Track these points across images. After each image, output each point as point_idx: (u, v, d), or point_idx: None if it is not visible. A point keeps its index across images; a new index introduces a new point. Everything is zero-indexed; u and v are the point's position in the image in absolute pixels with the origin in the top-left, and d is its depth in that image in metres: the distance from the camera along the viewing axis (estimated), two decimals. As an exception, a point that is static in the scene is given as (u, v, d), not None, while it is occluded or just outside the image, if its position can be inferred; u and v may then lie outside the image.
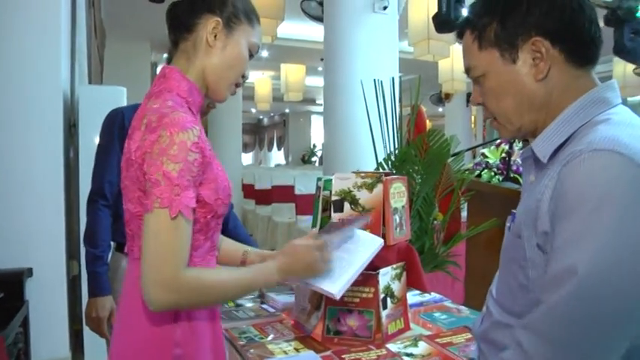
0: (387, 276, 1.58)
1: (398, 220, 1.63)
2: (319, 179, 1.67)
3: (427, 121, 2.60)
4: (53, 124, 3.23)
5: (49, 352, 3.29)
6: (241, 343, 1.52)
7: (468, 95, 11.47)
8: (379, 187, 1.57)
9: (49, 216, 3.26)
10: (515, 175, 3.17)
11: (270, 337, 1.57)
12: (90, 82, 4.41)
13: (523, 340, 0.88)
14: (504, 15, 1.00)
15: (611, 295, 0.80)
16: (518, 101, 1.01)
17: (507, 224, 1.09)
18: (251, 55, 1.26)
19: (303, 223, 6.60)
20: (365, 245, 1.44)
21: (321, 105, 17.88)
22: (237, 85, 1.27)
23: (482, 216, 2.98)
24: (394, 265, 1.61)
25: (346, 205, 1.58)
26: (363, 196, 1.57)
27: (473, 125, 13.66)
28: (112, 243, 2.08)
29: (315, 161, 19.12)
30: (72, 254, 3.51)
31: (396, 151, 2.56)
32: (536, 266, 0.94)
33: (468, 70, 1.07)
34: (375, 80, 2.56)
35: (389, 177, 1.61)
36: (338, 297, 1.28)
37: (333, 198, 1.59)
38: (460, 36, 1.09)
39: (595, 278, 0.80)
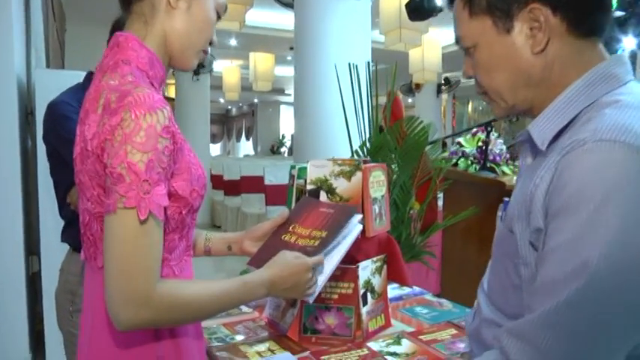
0: (367, 270, 1.47)
1: (377, 211, 1.53)
2: (293, 167, 1.56)
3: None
4: (7, 111, 3.05)
5: (7, 354, 3.14)
6: (211, 345, 1.40)
7: (439, 86, 11.51)
8: (358, 176, 1.46)
9: (5, 210, 3.09)
10: (492, 165, 3.12)
11: (243, 337, 1.46)
12: (48, 67, 4.19)
13: (510, 349, 0.77)
14: None
15: (619, 302, 0.70)
16: (512, 76, 0.90)
17: (499, 213, 0.99)
18: (218, 17, 1.11)
19: (274, 214, 6.45)
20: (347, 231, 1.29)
21: (291, 95, 17.76)
22: (204, 52, 1.11)
23: (458, 205, 2.92)
24: (374, 258, 1.51)
25: (322, 195, 1.47)
26: (341, 185, 1.47)
27: (443, 116, 13.70)
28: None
29: (285, 152, 18.98)
30: (31, 250, 3.34)
31: (372, 139, 2.46)
32: (528, 265, 0.83)
33: (458, 40, 0.96)
34: (350, 64, 2.46)
35: (368, 164, 1.50)
36: (311, 301, 1.17)
37: (308, 187, 1.47)
38: (451, 2, 0.97)
39: (598, 284, 0.70)
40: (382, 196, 1.57)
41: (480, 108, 16.86)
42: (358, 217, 1.28)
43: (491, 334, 0.90)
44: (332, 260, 1.20)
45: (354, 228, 1.26)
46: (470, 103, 16.89)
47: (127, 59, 0.98)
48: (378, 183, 1.54)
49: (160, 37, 1.03)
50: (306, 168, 1.50)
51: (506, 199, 0.96)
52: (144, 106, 0.88)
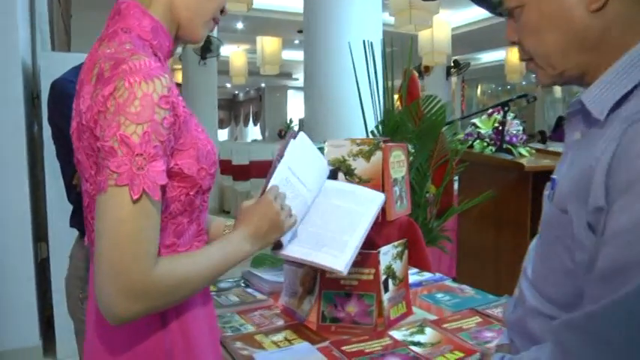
0: (388, 255, 1.40)
1: (398, 193, 1.46)
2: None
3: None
4: (12, 94, 2.99)
5: (18, 341, 3.10)
6: (225, 334, 1.33)
7: (448, 68, 11.36)
8: (377, 155, 1.39)
9: (12, 195, 3.04)
10: (509, 146, 3.03)
11: (258, 326, 1.39)
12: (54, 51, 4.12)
13: (570, 345, 0.68)
14: None
15: None
16: (564, 38, 0.80)
17: (545, 192, 0.89)
18: None
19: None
20: (364, 203, 1.23)
21: (298, 79, 17.61)
22: (215, 21, 1.01)
23: (474, 188, 2.85)
24: (395, 243, 1.44)
25: (340, 176, 1.40)
26: (360, 166, 1.39)
27: (452, 99, 13.55)
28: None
29: (292, 136, 18.88)
30: (40, 236, 3.29)
31: (387, 120, 2.37)
32: (585, 249, 0.73)
33: (499, 3, 0.86)
34: (364, 41, 2.36)
35: (388, 144, 1.43)
36: (345, 272, 1.09)
37: (326, 168, 1.40)
38: None
39: None
40: (402, 177, 1.49)
41: (489, 91, 16.70)
42: (382, 197, 1.22)
43: (539, 325, 0.82)
44: (354, 232, 1.15)
45: (377, 203, 1.21)
46: (479, 87, 16.72)
47: (128, 27, 0.89)
48: (398, 163, 1.46)
49: (165, 4, 0.94)
50: (323, 148, 1.42)
51: (554, 176, 0.87)
52: (139, 73, 0.79)
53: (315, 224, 1.17)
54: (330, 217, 1.18)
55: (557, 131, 10.16)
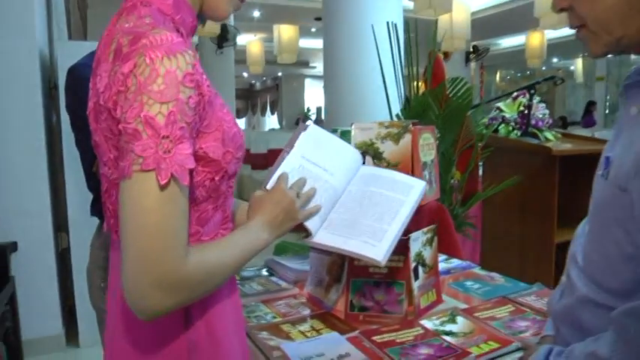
0: (417, 241, 1.35)
1: (427, 177, 1.40)
2: (335, 130, 1.43)
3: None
4: (30, 84, 2.98)
5: (41, 330, 3.12)
6: (250, 324, 1.29)
7: (467, 54, 11.19)
8: (406, 138, 1.33)
9: (32, 186, 3.06)
10: (534, 130, 2.94)
11: (284, 315, 1.35)
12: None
13: (630, 331, 0.64)
14: None
15: None
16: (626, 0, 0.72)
17: (598, 172, 0.82)
18: None
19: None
20: (404, 190, 1.16)
21: (315, 67, 17.47)
22: (241, 0, 0.96)
23: (499, 174, 2.77)
24: (425, 229, 1.38)
25: (368, 159, 1.34)
26: (388, 149, 1.34)
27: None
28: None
29: (310, 125, 18.81)
30: (60, 226, 3.29)
31: (412, 103, 2.30)
32: None
33: None
34: (388, 23, 2.29)
35: (417, 126, 1.37)
36: (384, 263, 1.04)
37: (353, 152, 1.35)
38: None
39: None
40: (432, 161, 1.44)
41: (508, 77, 16.48)
42: (422, 184, 1.18)
43: (590, 314, 0.76)
44: (393, 221, 1.09)
45: (419, 190, 1.16)
46: (498, 73, 16.50)
47: (147, 0, 0.83)
48: (427, 146, 1.41)
49: None
50: (349, 132, 1.37)
51: (607, 154, 0.80)
52: (160, 48, 0.73)
53: (350, 211, 1.11)
54: (367, 204, 1.12)
55: (587, 117, 9.90)
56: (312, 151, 1.12)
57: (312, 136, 1.15)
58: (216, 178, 0.85)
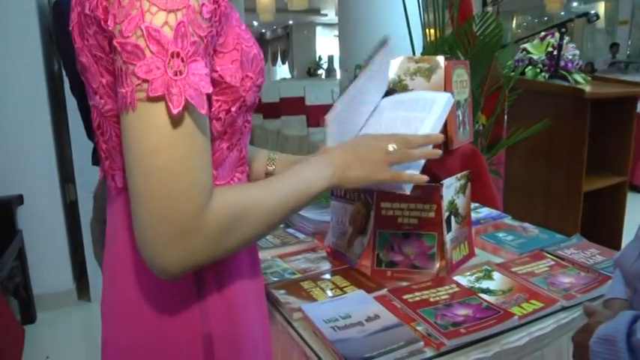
0: (450, 189, 1.21)
1: (461, 117, 1.25)
2: (358, 66, 1.27)
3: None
4: (28, 30, 2.83)
5: (52, 286, 3.07)
6: (267, 282, 1.17)
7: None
8: (439, 74, 1.18)
9: (36, 136, 2.93)
10: (563, 72, 2.76)
11: (304, 271, 1.23)
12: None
13: None
14: None
15: None
16: None
17: None
18: None
19: (316, 135, 6.19)
20: (426, 106, 1.00)
21: (327, 15, 17.01)
22: None
23: (525, 119, 2.60)
24: (458, 175, 1.24)
25: (395, 99, 1.20)
26: (418, 86, 1.19)
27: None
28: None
29: (322, 74, 18.45)
30: (67, 178, 3.19)
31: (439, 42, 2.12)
32: None
33: None
34: (410, -49, 2.10)
35: (450, 61, 1.21)
36: (409, 192, 0.89)
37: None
38: None
39: None
40: (465, 100, 1.29)
41: (525, 23, 15.97)
42: (447, 96, 1.02)
43: None
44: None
45: (444, 101, 1.01)
46: (514, 19, 15.97)
47: None
48: (461, 83, 1.25)
49: None
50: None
51: None
52: None
53: None
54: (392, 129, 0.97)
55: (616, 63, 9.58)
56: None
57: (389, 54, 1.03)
58: (233, 109, 0.69)
